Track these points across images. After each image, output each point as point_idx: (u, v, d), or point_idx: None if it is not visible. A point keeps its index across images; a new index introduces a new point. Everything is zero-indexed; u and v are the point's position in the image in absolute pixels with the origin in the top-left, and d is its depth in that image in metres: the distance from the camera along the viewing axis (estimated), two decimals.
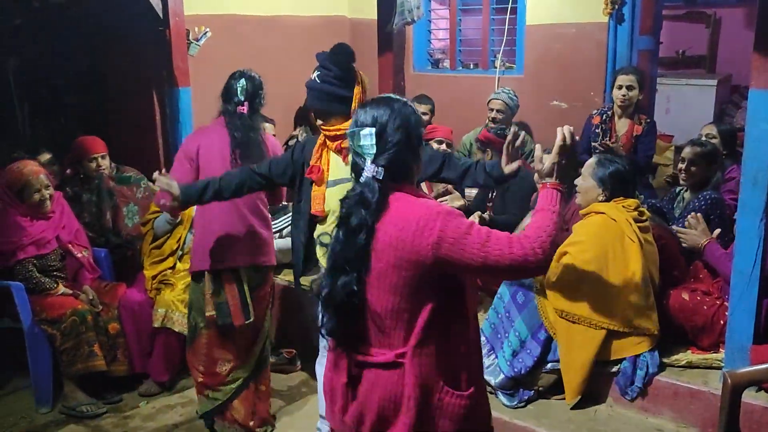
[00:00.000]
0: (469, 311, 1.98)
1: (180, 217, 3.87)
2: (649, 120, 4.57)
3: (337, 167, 2.90)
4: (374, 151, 1.88)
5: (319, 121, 2.91)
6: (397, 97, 2.01)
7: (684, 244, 3.44)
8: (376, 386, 1.89)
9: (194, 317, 3.41)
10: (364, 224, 1.84)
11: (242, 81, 3.35)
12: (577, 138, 1.99)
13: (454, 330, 1.92)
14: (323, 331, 1.94)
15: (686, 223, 3.47)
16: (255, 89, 3.38)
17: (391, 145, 1.88)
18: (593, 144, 4.52)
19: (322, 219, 2.93)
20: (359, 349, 1.92)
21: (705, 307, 3.34)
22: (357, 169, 1.93)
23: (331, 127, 2.86)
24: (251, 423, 3.46)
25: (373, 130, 1.88)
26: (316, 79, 2.86)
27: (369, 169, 1.87)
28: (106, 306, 3.89)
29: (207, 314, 3.31)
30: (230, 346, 3.40)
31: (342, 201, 1.92)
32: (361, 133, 1.88)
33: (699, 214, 3.45)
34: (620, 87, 4.45)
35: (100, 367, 3.73)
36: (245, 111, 3.36)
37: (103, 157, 4.37)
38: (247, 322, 3.34)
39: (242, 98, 3.34)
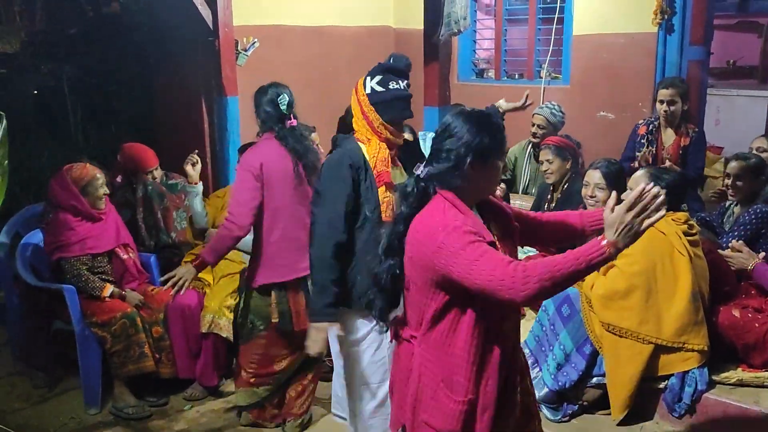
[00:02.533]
0: (493, 322, 2.01)
1: None
2: (696, 130, 4.49)
3: (394, 173, 2.84)
4: (428, 153, 2.06)
5: (393, 131, 2.78)
6: (482, 110, 2.10)
7: (732, 267, 3.36)
8: (400, 357, 2.16)
9: (253, 320, 3.48)
10: (401, 215, 2.06)
11: (284, 95, 3.37)
12: (662, 197, 1.77)
13: (465, 334, 1.98)
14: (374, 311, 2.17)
15: (727, 253, 3.39)
16: (292, 99, 3.42)
17: (444, 155, 2.01)
18: (637, 154, 4.47)
19: None
20: (399, 326, 2.17)
21: (757, 325, 3.26)
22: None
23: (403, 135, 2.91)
24: (285, 412, 3.57)
25: (432, 136, 2.08)
26: (406, 87, 2.78)
27: (419, 169, 2.05)
28: (152, 309, 3.96)
29: (273, 320, 3.42)
30: (287, 344, 3.49)
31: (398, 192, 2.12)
32: (428, 135, 2.03)
33: (741, 242, 3.37)
34: (662, 102, 4.39)
35: (150, 368, 3.80)
36: (295, 124, 3.39)
37: (156, 170, 4.47)
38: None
39: (288, 112, 3.37)
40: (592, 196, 3.70)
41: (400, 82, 2.74)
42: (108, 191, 4.01)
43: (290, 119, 3.39)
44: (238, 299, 3.91)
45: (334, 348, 2.93)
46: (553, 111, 4.83)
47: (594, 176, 3.69)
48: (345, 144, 2.82)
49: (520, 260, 1.90)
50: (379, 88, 2.73)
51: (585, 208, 3.74)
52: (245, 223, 3.31)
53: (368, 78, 2.76)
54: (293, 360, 3.52)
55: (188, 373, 3.99)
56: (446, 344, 2.00)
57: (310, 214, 3.25)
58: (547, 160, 4.27)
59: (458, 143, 1.98)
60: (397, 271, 2.06)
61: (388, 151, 2.78)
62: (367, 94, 2.73)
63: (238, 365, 3.63)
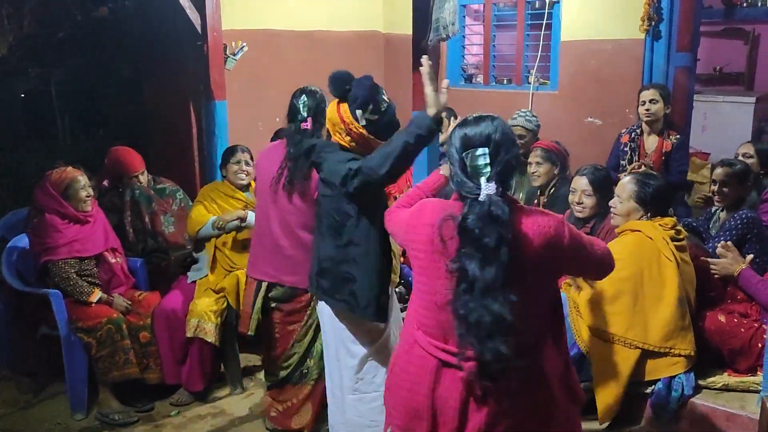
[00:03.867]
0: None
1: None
2: (679, 135, 4.52)
3: None
4: (489, 170, 1.93)
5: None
6: (492, 114, 2.06)
7: (716, 275, 3.36)
8: (517, 392, 1.99)
9: (310, 365, 3.49)
10: (503, 240, 1.87)
11: (303, 97, 3.33)
12: None
13: (558, 318, 2.18)
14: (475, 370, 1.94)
15: (717, 251, 3.37)
16: (317, 103, 3.33)
17: (503, 162, 1.96)
18: (621, 162, 4.50)
19: None
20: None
21: (742, 330, 3.27)
22: (464, 188, 1.96)
23: None
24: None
25: (487, 149, 1.95)
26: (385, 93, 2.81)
27: (488, 188, 1.91)
28: (139, 315, 3.94)
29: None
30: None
31: (461, 226, 1.90)
32: (476, 153, 1.94)
33: (729, 242, 3.36)
34: (643, 102, 4.43)
35: (135, 375, 3.78)
36: (309, 127, 3.30)
37: (142, 174, 4.46)
38: (249, 334, 3.50)
39: (305, 114, 3.29)
40: (579, 203, 3.71)
41: (383, 94, 2.77)
42: (92, 193, 3.99)
43: (305, 121, 3.31)
44: (224, 304, 3.91)
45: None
46: (527, 117, 4.85)
47: (581, 182, 3.71)
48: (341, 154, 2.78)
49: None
50: (373, 117, 2.73)
51: (572, 213, 3.75)
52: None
53: (358, 111, 2.71)
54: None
55: (175, 378, 3.97)
56: (559, 336, 2.18)
57: (302, 228, 3.28)
58: (536, 162, 4.28)
59: (511, 148, 1.98)
60: (514, 298, 1.87)
61: None
62: (363, 126, 2.72)
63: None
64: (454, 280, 1.92)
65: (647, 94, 4.44)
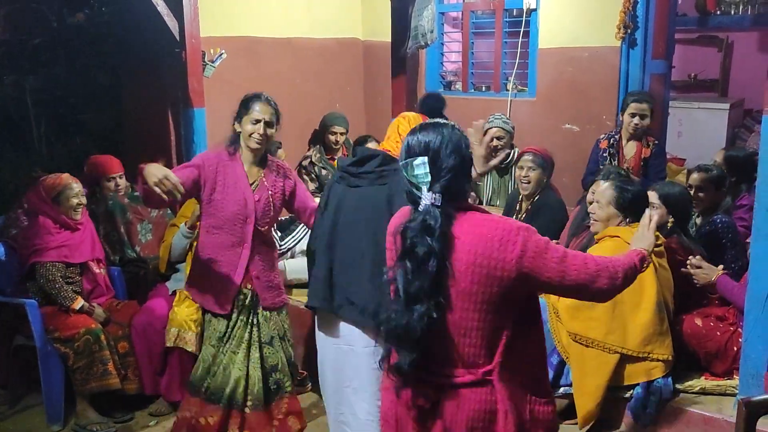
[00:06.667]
0: (540, 317, 2.05)
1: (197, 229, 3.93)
2: (657, 142, 4.57)
3: None
4: (429, 179, 1.89)
5: None
6: (444, 121, 2.04)
7: (697, 284, 3.38)
8: (462, 406, 1.91)
9: (282, 379, 3.46)
10: (432, 252, 1.84)
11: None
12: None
13: (531, 338, 2.00)
14: (391, 368, 1.93)
15: (688, 265, 3.36)
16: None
17: (445, 171, 1.90)
18: (601, 168, 4.53)
19: None
20: (436, 373, 1.93)
21: (718, 333, 3.32)
22: (412, 198, 1.94)
23: None
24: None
25: (426, 158, 1.90)
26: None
27: (427, 197, 1.88)
28: (117, 325, 3.90)
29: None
30: None
31: (402, 233, 1.90)
32: (414, 163, 1.90)
33: (698, 257, 3.38)
34: (633, 115, 4.40)
35: (114, 386, 3.74)
36: None
37: (120, 177, 4.43)
38: None
39: None
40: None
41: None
42: (84, 201, 3.97)
43: None
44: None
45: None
46: (504, 119, 4.86)
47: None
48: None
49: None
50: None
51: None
52: None
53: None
54: None
55: (153, 388, 3.94)
56: (526, 357, 1.97)
57: None
58: (528, 167, 4.24)
59: (449, 154, 1.91)
60: (434, 315, 1.85)
61: None
62: None
63: None
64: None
65: (639, 108, 4.39)
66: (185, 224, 3.98)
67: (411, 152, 1.94)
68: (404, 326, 1.86)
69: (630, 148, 4.53)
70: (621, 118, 4.55)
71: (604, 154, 4.57)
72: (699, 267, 3.33)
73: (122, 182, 4.45)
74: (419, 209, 1.90)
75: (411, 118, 2.76)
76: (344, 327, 2.71)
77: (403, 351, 1.90)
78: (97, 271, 4.03)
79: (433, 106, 2.81)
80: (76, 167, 4.66)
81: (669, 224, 3.58)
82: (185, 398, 3.42)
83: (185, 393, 3.45)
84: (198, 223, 3.81)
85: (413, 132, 1.99)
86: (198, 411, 3.31)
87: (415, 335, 1.85)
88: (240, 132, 3.30)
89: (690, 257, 3.36)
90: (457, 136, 1.97)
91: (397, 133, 2.73)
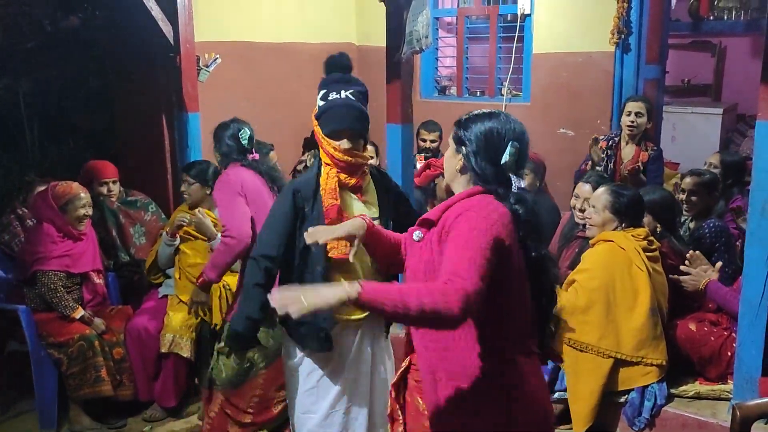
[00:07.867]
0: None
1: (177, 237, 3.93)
2: (656, 148, 4.58)
3: (353, 206, 2.62)
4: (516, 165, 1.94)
5: (351, 148, 2.56)
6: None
7: (687, 289, 3.38)
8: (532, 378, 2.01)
9: (253, 357, 3.26)
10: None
11: (245, 130, 3.44)
12: None
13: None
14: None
15: (684, 264, 3.36)
16: (253, 134, 3.53)
17: (526, 156, 1.98)
18: (597, 168, 4.54)
19: (345, 265, 2.46)
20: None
21: (712, 338, 3.32)
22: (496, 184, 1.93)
23: (365, 153, 2.65)
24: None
25: (517, 144, 1.93)
26: (350, 96, 2.56)
27: (517, 182, 1.97)
28: (112, 331, 3.88)
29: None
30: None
31: (515, 212, 1.89)
32: (509, 150, 1.91)
33: (697, 252, 3.38)
34: (629, 113, 4.44)
35: (107, 392, 3.73)
36: (257, 157, 3.50)
37: (114, 182, 4.43)
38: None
39: (249, 146, 3.46)
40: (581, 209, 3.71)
41: (342, 92, 2.55)
42: (90, 213, 3.93)
43: (252, 153, 3.46)
44: (198, 319, 3.85)
45: None
46: None
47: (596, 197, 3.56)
48: (311, 170, 2.69)
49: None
50: (320, 103, 2.61)
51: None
52: (244, 235, 3.17)
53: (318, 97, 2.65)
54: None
55: (148, 394, 3.92)
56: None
57: None
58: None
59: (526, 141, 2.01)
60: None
61: (336, 180, 2.55)
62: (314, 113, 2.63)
63: (223, 413, 3.31)
64: None
65: (635, 106, 4.45)
66: (166, 232, 3.96)
67: (497, 139, 1.94)
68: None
69: (628, 151, 4.54)
70: (621, 122, 4.57)
71: (602, 155, 4.57)
72: (687, 273, 3.32)
73: (115, 187, 4.43)
74: (515, 193, 1.93)
75: None
76: None
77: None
78: (97, 281, 4.02)
79: (339, 62, 2.72)
80: (69, 172, 4.64)
81: (657, 229, 3.58)
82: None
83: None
84: (179, 232, 3.83)
85: (477, 119, 1.98)
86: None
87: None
88: None
89: (689, 253, 3.36)
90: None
91: None
